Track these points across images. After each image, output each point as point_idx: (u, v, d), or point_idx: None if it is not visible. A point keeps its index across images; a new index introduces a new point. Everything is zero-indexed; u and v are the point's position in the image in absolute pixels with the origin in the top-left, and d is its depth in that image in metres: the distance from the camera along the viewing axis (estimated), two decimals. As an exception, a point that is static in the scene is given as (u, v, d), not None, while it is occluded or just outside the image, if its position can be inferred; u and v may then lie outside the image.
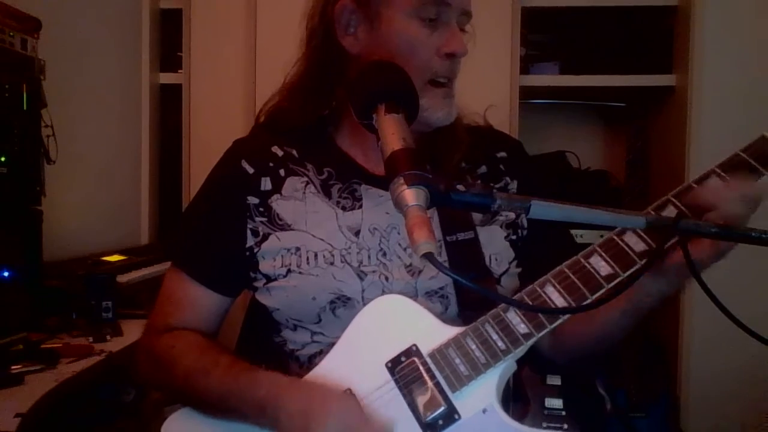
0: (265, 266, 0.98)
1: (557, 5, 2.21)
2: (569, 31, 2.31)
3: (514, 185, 1.07)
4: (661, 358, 2.16)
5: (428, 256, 0.61)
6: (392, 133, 0.75)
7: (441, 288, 0.97)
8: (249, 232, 1.00)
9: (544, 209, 0.66)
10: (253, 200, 1.01)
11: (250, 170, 1.02)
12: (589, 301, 0.85)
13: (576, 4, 2.20)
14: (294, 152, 1.04)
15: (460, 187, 0.68)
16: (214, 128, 2.20)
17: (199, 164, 2.23)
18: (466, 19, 1.00)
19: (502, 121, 2.07)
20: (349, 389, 0.88)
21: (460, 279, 0.62)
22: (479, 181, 1.06)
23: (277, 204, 1.00)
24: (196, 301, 1.02)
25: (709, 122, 2.04)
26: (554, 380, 1.79)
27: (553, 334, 1.06)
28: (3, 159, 1.45)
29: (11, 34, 1.47)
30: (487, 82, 2.07)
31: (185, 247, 1.05)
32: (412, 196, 0.65)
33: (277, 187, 1.01)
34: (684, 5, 2.12)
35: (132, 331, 1.53)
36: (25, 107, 1.52)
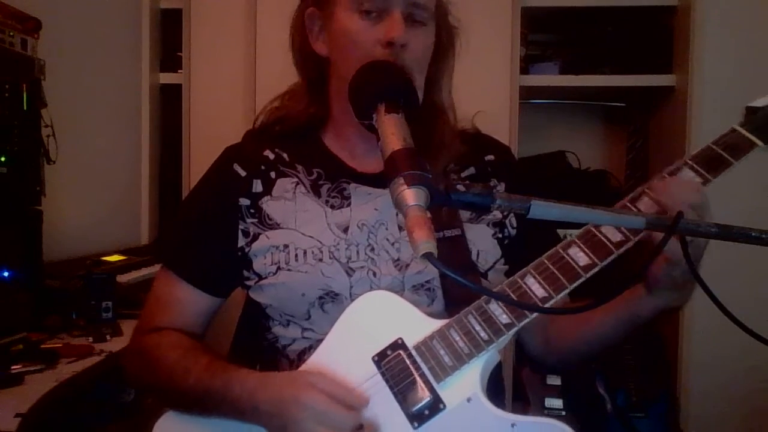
0: (257, 265, 1.00)
1: (557, 5, 2.21)
2: (569, 31, 2.32)
3: (501, 188, 1.09)
4: (661, 359, 2.16)
5: (428, 256, 0.61)
6: (392, 133, 0.76)
7: (427, 281, 0.99)
8: (240, 233, 1.02)
9: (544, 209, 0.66)
10: (244, 202, 1.03)
11: (243, 173, 1.04)
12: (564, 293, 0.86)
13: (576, 4, 2.20)
14: (285, 155, 1.06)
15: (460, 187, 0.68)
16: (214, 128, 2.20)
17: (199, 164, 2.23)
18: (419, 12, 0.97)
19: (501, 121, 2.07)
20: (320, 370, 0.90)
21: (458, 278, 0.62)
22: (467, 182, 1.06)
23: (267, 205, 1.02)
24: (185, 301, 1.04)
25: (709, 122, 2.04)
26: (554, 380, 1.80)
27: (545, 333, 1.08)
28: (3, 159, 1.45)
29: (11, 34, 1.48)
30: (487, 82, 2.07)
31: (175, 248, 1.07)
32: (412, 196, 0.65)
33: (268, 189, 1.03)
34: (684, 5, 2.12)
35: (132, 331, 1.53)
36: (25, 107, 1.52)
